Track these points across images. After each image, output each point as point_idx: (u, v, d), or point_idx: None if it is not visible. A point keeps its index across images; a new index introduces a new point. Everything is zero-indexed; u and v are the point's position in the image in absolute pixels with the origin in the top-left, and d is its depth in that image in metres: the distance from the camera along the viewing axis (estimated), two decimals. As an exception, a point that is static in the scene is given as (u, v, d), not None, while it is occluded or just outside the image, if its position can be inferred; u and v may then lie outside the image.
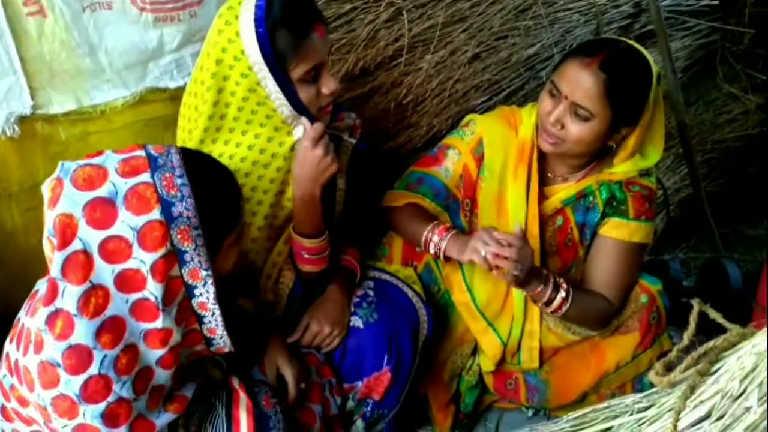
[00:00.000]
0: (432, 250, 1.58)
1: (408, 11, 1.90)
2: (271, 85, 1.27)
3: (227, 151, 1.34)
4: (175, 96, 1.64)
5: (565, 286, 1.51)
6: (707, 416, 0.75)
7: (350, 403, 1.50)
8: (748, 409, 0.66)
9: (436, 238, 1.56)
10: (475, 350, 1.75)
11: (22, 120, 1.42)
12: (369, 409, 1.51)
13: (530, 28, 2.11)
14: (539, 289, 1.48)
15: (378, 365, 1.45)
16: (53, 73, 1.44)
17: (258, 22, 1.24)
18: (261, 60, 1.25)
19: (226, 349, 1.12)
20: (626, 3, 2.28)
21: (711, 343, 0.91)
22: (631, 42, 1.53)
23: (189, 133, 1.38)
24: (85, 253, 0.92)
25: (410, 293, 1.57)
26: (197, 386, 1.12)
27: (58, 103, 1.47)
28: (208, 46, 1.31)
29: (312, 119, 1.33)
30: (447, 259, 1.57)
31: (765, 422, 0.65)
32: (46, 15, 1.38)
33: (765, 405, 0.66)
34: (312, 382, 1.43)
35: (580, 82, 1.42)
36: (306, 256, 1.43)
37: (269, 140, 1.35)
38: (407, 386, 1.54)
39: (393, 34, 1.90)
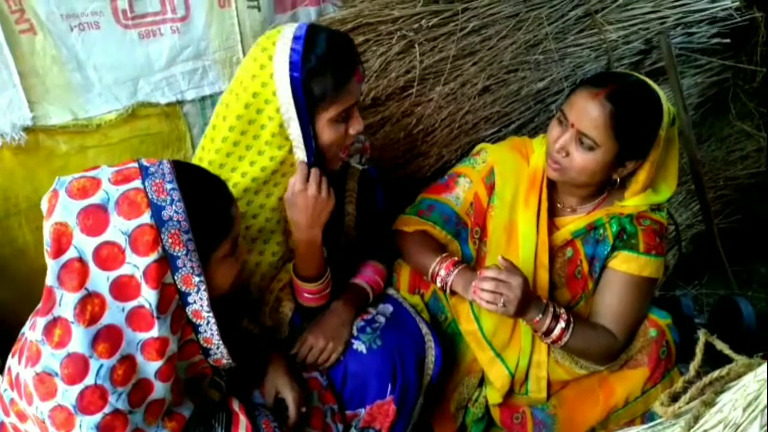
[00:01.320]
0: (439, 284, 1.59)
1: (420, 44, 1.94)
2: (294, 127, 1.29)
3: (239, 182, 1.34)
4: (169, 113, 1.72)
5: (565, 316, 1.49)
6: (710, 445, 0.73)
7: (353, 432, 1.49)
8: (749, 436, 0.64)
9: (443, 273, 1.57)
10: (482, 381, 1.72)
11: (25, 131, 1.49)
12: (374, 440, 1.49)
13: (540, 62, 2.13)
14: (538, 319, 1.47)
15: (381, 393, 1.43)
16: (47, 87, 1.52)
17: (293, 66, 1.25)
18: (291, 102, 1.26)
19: (224, 361, 1.12)
20: (637, 40, 2.30)
21: (716, 374, 0.89)
22: (644, 78, 1.52)
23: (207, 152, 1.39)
24: (81, 260, 0.93)
25: (422, 325, 1.56)
26: (195, 406, 1.12)
27: (55, 116, 1.55)
28: (239, 89, 1.31)
29: (322, 164, 1.34)
30: (453, 293, 1.57)
31: (767, 450, 0.63)
32: (36, 33, 1.47)
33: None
34: (313, 408, 1.41)
35: (587, 111, 1.43)
36: (307, 295, 1.45)
37: (276, 185, 1.36)
38: (413, 415, 1.52)
39: (404, 65, 1.94)
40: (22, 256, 1.55)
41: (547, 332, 1.49)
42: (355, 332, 1.47)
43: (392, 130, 1.99)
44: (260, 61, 1.28)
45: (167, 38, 1.66)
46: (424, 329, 1.56)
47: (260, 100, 1.28)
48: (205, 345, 1.08)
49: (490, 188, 1.66)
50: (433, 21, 1.92)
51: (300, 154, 1.32)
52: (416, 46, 1.93)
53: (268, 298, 1.46)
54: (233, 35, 1.77)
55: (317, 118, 1.30)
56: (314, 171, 1.32)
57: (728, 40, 2.51)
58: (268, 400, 1.34)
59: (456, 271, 1.55)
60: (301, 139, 1.30)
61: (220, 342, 1.07)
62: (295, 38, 1.26)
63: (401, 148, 2.02)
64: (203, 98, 1.80)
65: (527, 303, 1.44)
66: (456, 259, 1.60)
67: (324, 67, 1.26)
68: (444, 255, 1.60)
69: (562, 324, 1.48)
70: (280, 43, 1.27)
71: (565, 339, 1.49)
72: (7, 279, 1.55)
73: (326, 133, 1.32)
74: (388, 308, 1.58)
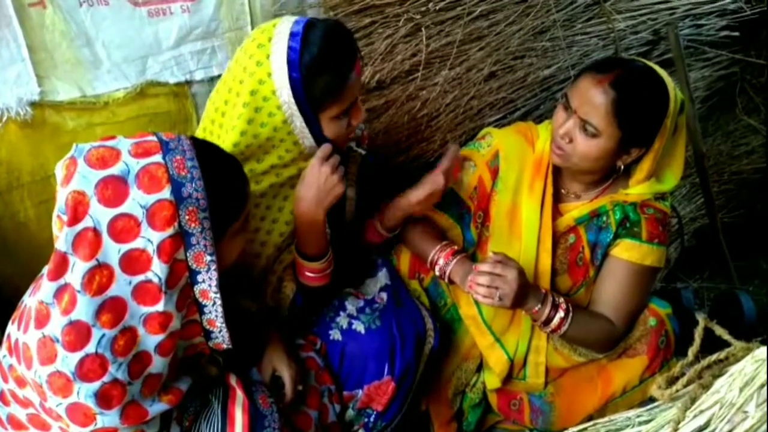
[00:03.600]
0: (437, 272, 1.59)
1: (426, 28, 1.92)
2: (297, 123, 1.27)
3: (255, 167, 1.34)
4: (178, 93, 1.71)
5: (564, 305, 1.49)
6: (706, 425, 0.73)
7: (350, 412, 1.49)
8: (746, 413, 0.64)
9: (441, 262, 1.57)
10: (480, 367, 1.73)
11: (31, 106, 1.48)
12: (372, 420, 1.49)
13: (547, 49, 2.12)
14: (536, 309, 1.46)
15: (379, 373, 1.44)
16: (56, 63, 1.51)
17: (291, 65, 1.21)
18: (292, 101, 1.23)
19: (224, 346, 1.12)
20: (645, 30, 2.29)
21: (714, 357, 0.89)
22: (651, 64, 1.50)
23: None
24: (95, 230, 0.93)
25: (416, 302, 1.57)
26: (193, 381, 1.12)
27: (63, 91, 1.54)
28: (235, 85, 1.27)
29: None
30: (452, 282, 1.57)
31: (764, 426, 0.63)
32: (45, 6, 1.45)
33: (764, 409, 0.64)
34: (310, 387, 1.42)
35: (590, 98, 1.42)
36: (308, 274, 1.44)
37: (285, 167, 1.35)
38: (410, 396, 1.52)
39: (410, 49, 1.92)
40: (24, 230, 1.56)
41: (546, 322, 1.48)
42: (354, 312, 1.48)
43: (396, 113, 1.98)
44: (256, 57, 1.24)
45: (177, 17, 1.65)
46: (420, 307, 1.58)
47: (258, 98, 1.25)
48: (208, 327, 1.08)
49: (494, 172, 1.66)
50: (441, 4, 1.91)
51: (307, 142, 1.31)
52: (423, 29, 1.91)
53: (271, 278, 1.46)
54: (243, 15, 1.75)
55: (320, 115, 1.29)
56: (335, 156, 1.31)
57: (737, 34, 2.49)
58: (265, 377, 1.35)
59: (455, 260, 1.55)
60: (306, 133, 1.29)
61: (224, 326, 1.07)
62: (292, 35, 1.22)
63: (405, 132, 2.01)
64: (212, 79, 1.78)
65: (524, 295, 1.43)
66: (455, 248, 1.60)
67: (323, 67, 1.23)
68: (443, 243, 1.60)
69: (561, 313, 1.48)
70: (276, 39, 1.23)
71: (564, 328, 1.49)
72: (8, 252, 1.55)
73: (329, 128, 1.31)
74: (383, 294, 1.58)
